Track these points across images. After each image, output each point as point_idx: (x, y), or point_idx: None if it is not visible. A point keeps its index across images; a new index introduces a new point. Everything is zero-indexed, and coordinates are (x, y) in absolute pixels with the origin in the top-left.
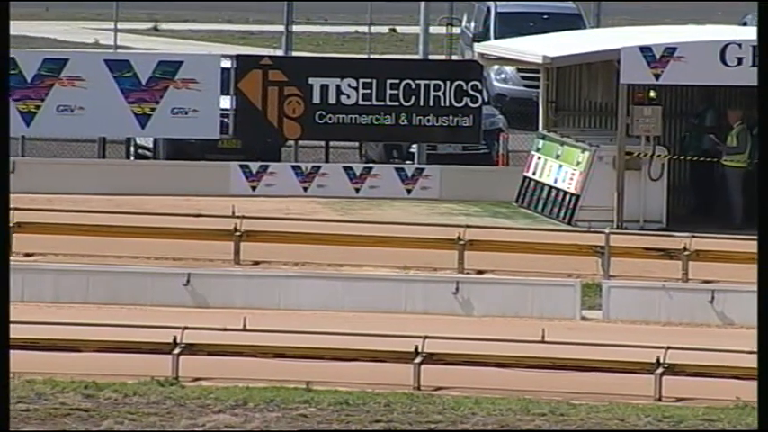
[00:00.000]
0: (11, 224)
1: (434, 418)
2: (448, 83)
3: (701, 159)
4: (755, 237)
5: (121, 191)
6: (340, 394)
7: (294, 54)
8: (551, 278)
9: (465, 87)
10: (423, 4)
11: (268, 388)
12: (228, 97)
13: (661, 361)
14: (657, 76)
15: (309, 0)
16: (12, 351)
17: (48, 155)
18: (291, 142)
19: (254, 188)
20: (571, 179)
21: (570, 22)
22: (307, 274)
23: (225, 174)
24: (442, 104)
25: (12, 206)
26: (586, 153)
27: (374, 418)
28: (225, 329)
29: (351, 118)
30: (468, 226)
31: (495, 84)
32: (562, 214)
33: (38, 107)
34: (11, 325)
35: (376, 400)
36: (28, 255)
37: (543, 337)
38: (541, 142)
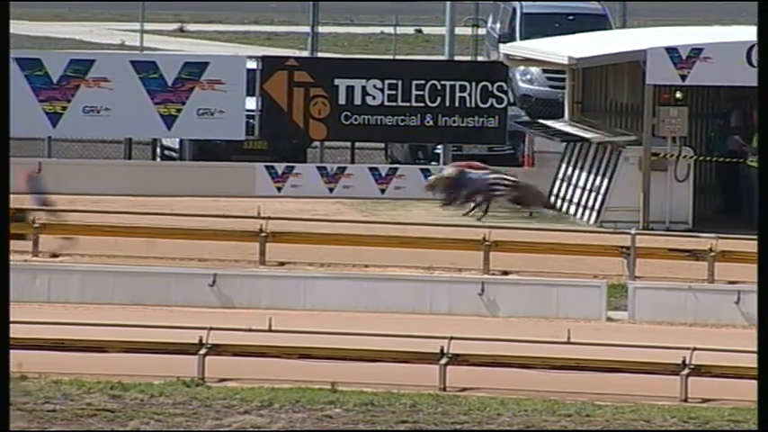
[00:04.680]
0: (36, 225)
1: (460, 418)
2: (473, 83)
3: (727, 160)
4: None
5: (147, 192)
6: (365, 395)
7: (320, 55)
8: (577, 279)
9: (490, 88)
10: (448, 4)
11: (293, 389)
12: (254, 98)
13: (687, 362)
14: (683, 77)
15: (335, 0)
16: (38, 351)
17: (74, 156)
18: (317, 143)
19: (279, 189)
20: (597, 180)
21: (596, 22)
22: (332, 274)
23: (250, 175)
24: (468, 105)
25: (36, 207)
26: (612, 154)
27: (400, 419)
28: (250, 330)
29: (376, 119)
30: (493, 227)
31: (521, 84)
32: (588, 215)
33: (64, 108)
34: (38, 326)
35: (401, 401)
36: (54, 255)
37: (569, 337)
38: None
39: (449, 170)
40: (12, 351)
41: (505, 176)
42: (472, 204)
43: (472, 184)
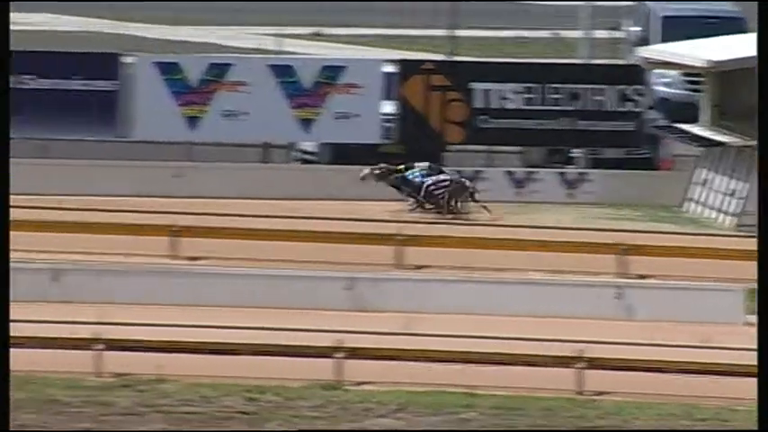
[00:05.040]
0: (174, 229)
1: (597, 422)
2: (611, 87)
3: None
4: None
5: (284, 195)
6: (501, 398)
7: (457, 58)
8: (714, 283)
9: (628, 91)
10: (587, 6)
11: (430, 392)
12: (390, 102)
13: None
14: None
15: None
16: (176, 354)
17: (213, 159)
18: (453, 146)
19: None
20: (736, 184)
21: (734, 25)
22: (467, 278)
23: None
24: (605, 108)
25: (177, 210)
26: (752, 158)
27: (535, 423)
28: (387, 333)
29: (513, 122)
30: (629, 230)
31: (659, 88)
32: (726, 219)
33: (203, 112)
34: (182, 329)
35: (537, 405)
36: (192, 259)
37: (706, 342)
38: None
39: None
40: (151, 353)
41: (442, 178)
42: (414, 203)
43: (408, 186)
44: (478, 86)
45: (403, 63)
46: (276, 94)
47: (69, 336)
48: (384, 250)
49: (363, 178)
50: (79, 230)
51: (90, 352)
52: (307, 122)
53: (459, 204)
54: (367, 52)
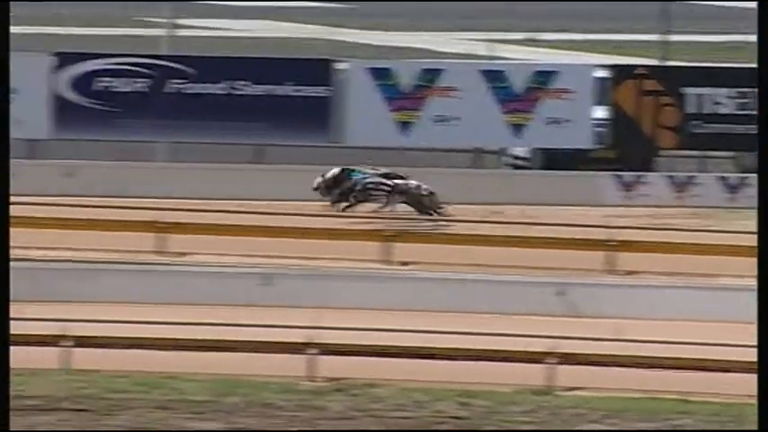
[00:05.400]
0: (385, 234)
1: None
2: None
3: None
4: None
5: (496, 200)
6: (715, 406)
7: (669, 63)
8: None
9: None
10: None
11: (644, 398)
12: (601, 107)
13: None
14: None
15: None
16: (388, 359)
17: (421, 165)
18: (664, 152)
19: (627, 198)
20: None
21: None
22: (679, 284)
23: (598, 184)
24: None
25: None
26: None
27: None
28: (600, 339)
29: (726, 127)
30: None
31: None
32: None
33: (415, 117)
34: (395, 333)
35: (752, 413)
36: (404, 263)
37: None
38: None
39: (333, 171)
40: (364, 358)
41: (385, 181)
42: (347, 202)
43: (348, 184)
44: (691, 91)
45: (615, 68)
46: (487, 100)
47: (283, 340)
48: (595, 256)
49: (316, 188)
50: (290, 235)
51: (303, 356)
52: (518, 128)
53: (387, 205)
54: (578, 57)
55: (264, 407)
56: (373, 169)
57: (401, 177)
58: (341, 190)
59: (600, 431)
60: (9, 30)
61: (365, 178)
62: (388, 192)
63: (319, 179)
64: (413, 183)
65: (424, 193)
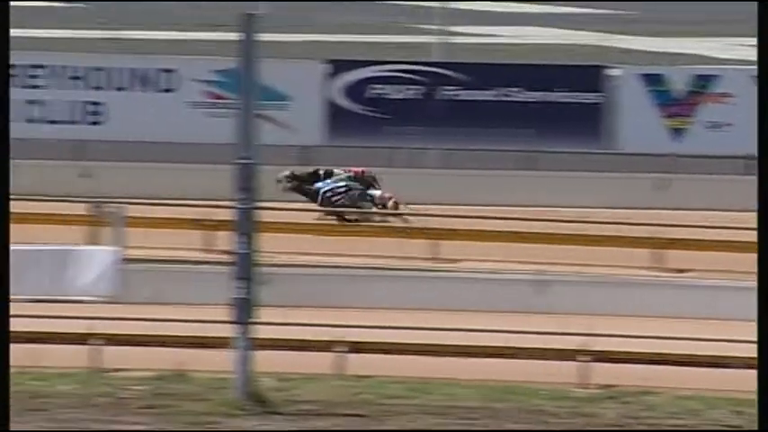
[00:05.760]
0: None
1: None
2: None
3: None
4: None
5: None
6: None
7: None
8: None
9: None
10: None
11: None
12: None
13: None
14: None
15: None
16: (663, 366)
17: (692, 171)
18: None
19: None
20: None
21: None
22: None
23: None
24: None
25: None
26: None
27: None
28: None
29: None
30: None
31: None
32: None
33: (687, 123)
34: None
35: None
36: (679, 271)
37: None
38: None
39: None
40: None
41: (339, 186)
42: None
43: (310, 189)
44: None
45: None
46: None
47: (556, 347)
48: None
49: (279, 181)
50: (563, 242)
51: (575, 363)
52: None
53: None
54: None
55: (536, 413)
56: (346, 172)
57: (372, 183)
58: (304, 190)
59: None
60: (9, 29)
61: (326, 185)
62: (341, 196)
63: (287, 173)
64: (376, 192)
65: (381, 202)
